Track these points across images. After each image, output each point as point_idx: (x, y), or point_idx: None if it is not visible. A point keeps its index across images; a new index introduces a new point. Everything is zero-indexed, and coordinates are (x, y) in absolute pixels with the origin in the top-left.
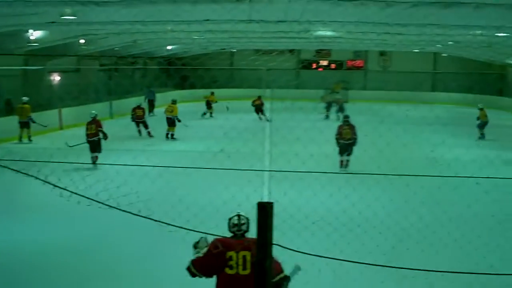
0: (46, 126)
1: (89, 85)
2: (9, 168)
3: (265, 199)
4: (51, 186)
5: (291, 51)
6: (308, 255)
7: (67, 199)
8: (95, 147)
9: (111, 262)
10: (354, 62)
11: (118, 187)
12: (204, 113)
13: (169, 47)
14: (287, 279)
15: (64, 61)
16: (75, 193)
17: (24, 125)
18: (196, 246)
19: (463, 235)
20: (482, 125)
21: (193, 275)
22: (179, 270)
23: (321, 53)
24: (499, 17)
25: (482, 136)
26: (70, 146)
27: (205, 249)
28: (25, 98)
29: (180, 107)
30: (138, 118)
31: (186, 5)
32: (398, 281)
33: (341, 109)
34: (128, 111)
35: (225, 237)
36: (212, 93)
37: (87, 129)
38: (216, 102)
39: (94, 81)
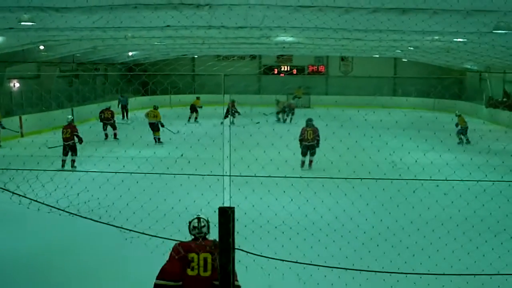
0: (18, 132)
1: (50, 92)
2: None
3: (226, 204)
4: (10, 194)
5: (252, 56)
6: (271, 259)
7: (26, 206)
8: (70, 150)
9: (72, 270)
10: (315, 67)
11: (78, 194)
12: (189, 118)
13: (130, 54)
14: None
15: (24, 68)
16: (35, 201)
17: None
18: None
19: (423, 237)
20: (464, 131)
21: None
22: (140, 275)
23: (282, 58)
24: (455, 23)
25: (467, 142)
26: (49, 148)
27: None
28: None
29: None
30: (106, 120)
31: (146, 11)
32: (361, 284)
33: (292, 113)
34: (90, 117)
35: (186, 241)
36: (198, 98)
37: (62, 132)
38: (201, 107)
39: (54, 88)
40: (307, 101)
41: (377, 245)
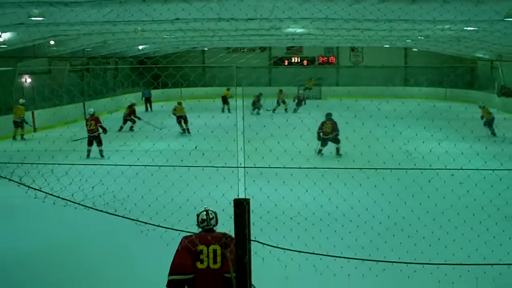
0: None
1: (61, 87)
2: None
3: (241, 196)
4: (26, 188)
5: (262, 48)
6: (287, 251)
7: (42, 200)
8: (95, 141)
9: (88, 262)
10: (325, 58)
11: (93, 187)
12: (223, 109)
13: (140, 47)
14: None
15: (35, 63)
16: (50, 194)
17: (18, 124)
18: None
19: (440, 227)
20: (490, 122)
21: (175, 284)
22: (156, 268)
23: (292, 49)
24: (466, 11)
25: (493, 134)
26: (74, 141)
27: None
28: (21, 100)
29: (156, 106)
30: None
31: (156, 4)
32: (378, 274)
33: (300, 104)
34: (101, 111)
35: (194, 234)
36: (228, 89)
37: (87, 125)
38: (231, 97)
39: (66, 82)
40: (318, 92)
41: (393, 235)
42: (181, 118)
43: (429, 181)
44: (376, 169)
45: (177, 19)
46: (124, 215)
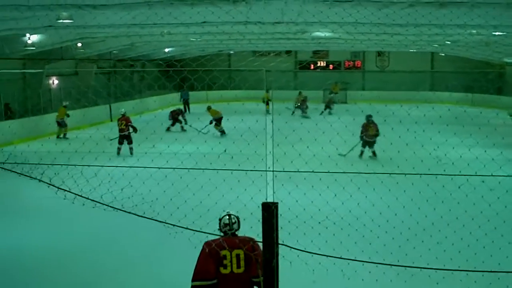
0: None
1: (88, 89)
2: (12, 171)
3: (270, 199)
4: (55, 188)
5: (287, 52)
6: (315, 255)
7: (71, 201)
8: (126, 140)
9: (116, 264)
10: (351, 62)
11: (122, 189)
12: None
13: (166, 50)
14: None
15: (62, 65)
16: (80, 196)
17: (60, 124)
18: None
19: (469, 234)
20: None
21: None
22: (183, 270)
23: (318, 54)
24: (496, 16)
25: None
26: (111, 139)
27: None
28: (64, 102)
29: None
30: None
31: (184, 8)
32: (406, 280)
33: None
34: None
35: (216, 238)
36: (267, 91)
37: (118, 124)
38: (270, 100)
39: (93, 84)
40: (344, 96)
41: (422, 241)
42: (216, 121)
43: (459, 187)
44: (405, 174)
45: (204, 22)
46: (153, 217)
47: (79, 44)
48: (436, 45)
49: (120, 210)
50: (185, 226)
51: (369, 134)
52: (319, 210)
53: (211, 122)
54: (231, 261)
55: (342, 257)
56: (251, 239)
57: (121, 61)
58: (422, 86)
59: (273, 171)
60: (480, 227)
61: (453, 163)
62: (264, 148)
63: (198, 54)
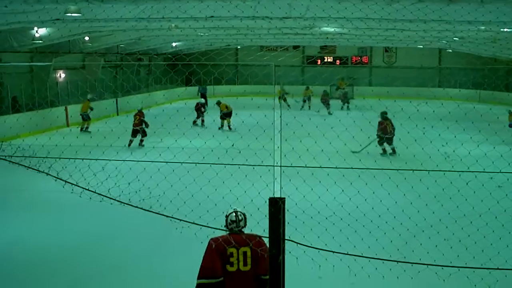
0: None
1: (95, 82)
2: (20, 165)
3: (277, 195)
4: (63, 182)
5: (295, 47)
6: (322, 251)
7: (78, 195)
8: (138, 133)
9: (123, 258)
10: (358, 58)
11: (129, 184)
12: (288, 105)
13: (174, 44)
14: None
15: (69, 58)
16: (87, 189)
17: (84, 118)
18: None
19: (477, 230)
20: None
21: None
22: (190, 265)
23: (326, 49)
24: (507, 12)
25: None
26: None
27: None
28: (89, 95)
29: (193, 104)
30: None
31: (193, 2)
32: (413, 277)
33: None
34: (133, 108)
35: (222, 236)
36: (282, 87)
37: (134, 119)
38: (287, 93)
39: (100, 78)
40: (350, 92)
41: (429, 238)
42: (226, 115)
43: (466, 184)
44: (413, 170)
45: (212, 16)
46: (159, 212)
47: (87, 38)
48: (444, 41)
49: (127, 204)
50: (191, 221)
51: (387, 131)
52: (326, 205)
53: (221, 117)
54: (237, 259)
55: (349, 253)
56: (257, 236)
57: (129, 54)
58: (430, 82)
59: (280, 166)
60: (487, 224)
61: (461, 160)
62: (272, 143)
63: (206, 49)
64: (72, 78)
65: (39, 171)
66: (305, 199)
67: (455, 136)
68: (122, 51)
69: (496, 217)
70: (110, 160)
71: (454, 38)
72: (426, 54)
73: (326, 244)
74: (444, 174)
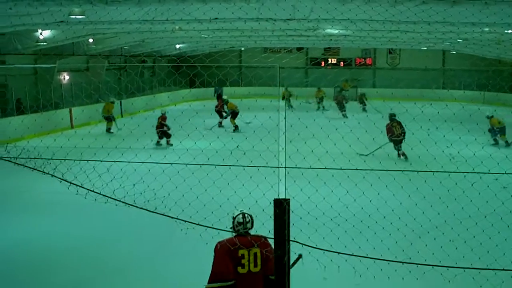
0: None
1: (99, 84)
2: (25, 166)
3: (282, 196)
4: (68, 183)
5: (299, 49)
6: (327, 252)
7: (84, 196)
8: (162, 135)
9: (127, 259)
10: (362, 60)
11: (134, 185)
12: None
13: (177, 46)
14: None
15: (73, 60)
16: (92, 191)
17: (108, 119)
18: None
19: (482, 232)
20: (501, 131)
21: None
22: (194, 266)
23: (329, 51)
24: (509, 14)
25: (508, 144)
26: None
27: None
28: (112, 98)
29: (198, 105)
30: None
31: (197, 4)
32: (418, 277)
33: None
34: (137, 110)
35: (230, 238)
36: (286, 88)
37: (158, 120)
38: (291, 95)
39: (104, 80)
40: (354, 94)
41: (434, 239)
42: (233, 114)
43: (472, 185)
44: (418, 171)
45: (216, 18)
46: (164, 213)
47: (91, 40)
48: (448, 43)
49: (132, 205)
50: (196, 222)
51: (396, 133)
52: (331, 206)
53: (231, 116)
54: (248, 260)
55: (354, 254)
56: (263, 237)
57: (133, 57)
58: (434, 84)
59: (285, 167)
60: (493, 225)
61: (466, 161)
62: (276, 144)
63: (209, 51)
64: (76, 80)
65: (44, 172)
66: (310, 200)
67: (460, 138)
68: (126, 53)
69: (501, 218)
70: (115, 161)
71: (458, 40)
72: (430, 56)
73: (331, 245)
74: (449, 175)
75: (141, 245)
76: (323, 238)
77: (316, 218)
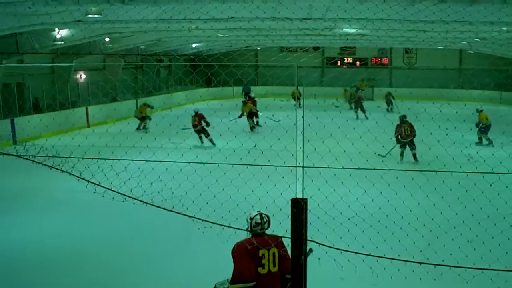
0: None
1: (116, 83)
2: (43, 164)
3: (299, 195)
4: (86, 182)
5: (315, 48)
6: (344, 252)
7: (101, 195)
8: (202, 133)
9: (145, 257)
10: (378, 59)
11: (152, 184)
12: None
13: (193, 45)
14: None
15: (90, 59)
16: (110, 189)
17: (142, 118)
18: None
19: (501, 232)
20: (486, 129)
21: None
22: (212, 265)
23: (346, 50)
24: None
25: (489, 142)
26: (183, 129)
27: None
28: (147, 102)
29: (215, 104)
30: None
31: (215, 3)
32: (435, 278)
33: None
34: (155, 108)
35: (248, 238)
36: (297, 88)
37: (192, 120)
38: (300, 96)
39: (121, 79)
40: (370, 93)
41: (452, 239)
42: (251, 114)
43: (490, 185)
44: (436, 171)
45: (232, 17)
46: (182, 212)
47: (107, 39)
48: (465, 42)
49: (149, 204)
50: (214, 221)
51: (403, 135)
52: (349, 206)
53: (249, 115)
54: (268, 260)
55: (371, 254)
56: (279, 237)
57: (150, 56)
58: (452, 83)
59: (303, 166)
60: (511, 226)
61: (485, 161)
62: (294, 143)
63: (226, 50)
64: (93, 79)
65: (62, 171)
66: (327, 200)
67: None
68: (143, 52)
69: None
70: (132, 160)
71: (476, 39)
72: (447, 55)
73: (348, 245)
74: (467, 175)
75: (158, 244)
76: (340, 238)
77: (334, 218)
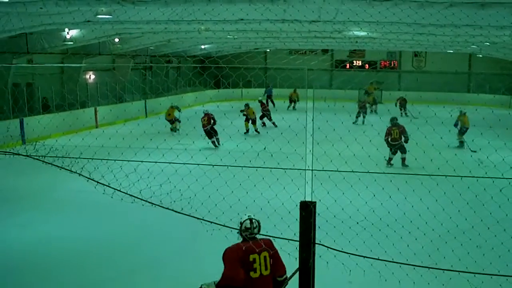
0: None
1: (124, 84)
2: (53, 165)
3: (308, 198)
4: (95, 182)
5: (324, 51)
6: (352, 255)
7: (110, 195)
8: (210, 133)
9: (153, 259)
10: (387, 62)
11: (161, 185)
12: (288, 107)
13: (202, 46)
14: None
15: (99, 60)
16: (119, 190)
17: (171, 121)
18: None
19: (510, 238)
20: (465, 132)
21: None
22: (220, 267)
23: (355, 53)
24: None
25: (461, 145)
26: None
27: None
28: (172, 103)
29: (225, 106)
30: (266, 111)
31: (226, 4)
32: (444, 283)
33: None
34: (163, 109)
35: (239, 243)
36: (295, 90)
37: (202, 120)
38: (297, 98)
39: (130, 80)
40: (379, 96)
41: (461, 245)
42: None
43: (500, 191)
44: (446, 176)
45: (242, 19)
46: (190, 214)
47: (116, 40)
48: (475, 46)
49: (158, 205)
50: (222, 224)
51: (393, 137)
52: (358, 210)
53: (252, 121)
54: (260, 264)
55: (380, 258)
56: (269, 239)
57: (161, 56)
58: (461, 87)
59: (312, 170)
60: None
61: (495, 166)
62: (304, 146)
63: (234, 51)
64: (103, 79)
65: (71, 171)
66: (336, 203)
67: (488, 142)
68: (152, 53)
69: None
70: (142, 161)
71: (486, 43)
72: (456, 59)
73: (357, 249)
74: (477, 180)
75: (166, 246)
76: (349, 241)
77: (342, 222)
